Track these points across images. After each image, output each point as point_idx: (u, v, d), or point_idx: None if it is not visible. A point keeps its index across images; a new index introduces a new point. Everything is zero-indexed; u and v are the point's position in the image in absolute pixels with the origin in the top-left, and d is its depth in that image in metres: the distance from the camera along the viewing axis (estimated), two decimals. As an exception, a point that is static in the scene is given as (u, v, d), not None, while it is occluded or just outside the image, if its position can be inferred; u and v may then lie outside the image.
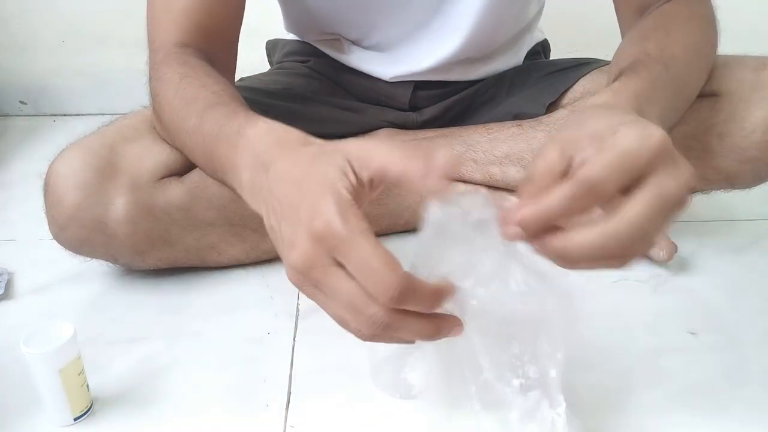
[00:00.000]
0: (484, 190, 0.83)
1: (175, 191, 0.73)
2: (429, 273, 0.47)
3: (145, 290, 0.78)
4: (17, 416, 0.61)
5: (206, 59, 0.69)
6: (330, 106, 0.88)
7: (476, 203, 0.47)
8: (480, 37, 0.83)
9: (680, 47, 0.64)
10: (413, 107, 0.90)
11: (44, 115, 1.34)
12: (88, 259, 0.75)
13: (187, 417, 0.61)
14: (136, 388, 0.64)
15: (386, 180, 0.45)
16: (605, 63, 0.87)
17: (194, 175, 0.74)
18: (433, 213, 0.47)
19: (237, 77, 0.81)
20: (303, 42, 0.94)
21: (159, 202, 0.72)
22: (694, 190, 0.80)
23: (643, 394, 0.62)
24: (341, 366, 0.66)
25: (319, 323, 0.71)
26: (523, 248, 0.47)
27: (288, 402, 0.62)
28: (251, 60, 0.91)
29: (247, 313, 0.74)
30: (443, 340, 0.48)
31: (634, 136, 0.43)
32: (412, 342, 0.47)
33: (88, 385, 0.60)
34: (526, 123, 0.85)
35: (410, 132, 0.89)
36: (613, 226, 0.43)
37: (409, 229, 0.85)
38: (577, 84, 0.86)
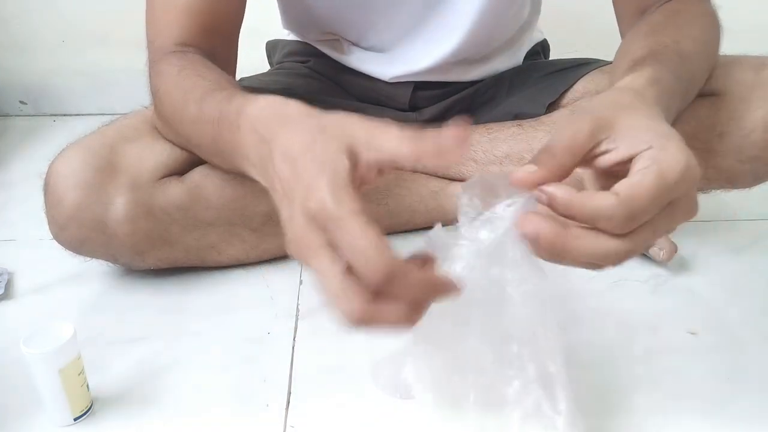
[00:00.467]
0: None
1: (175, 191, 0.73)
2: None
3: (145, 290, 0.78)
4: (17, 416, 0.61)
5: (207, 57, 0.69)
6: (330, 106, 0.88)
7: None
8: (478, 36, 0.83)
9: (691, 42, 0.64)
10: (413, 107, 0.90)
11: (44, 115, 1.34)
12: (88, 259, 0.75)
13: (187, 417, 0.61)
14: (136, 388, 0.64)
15: (396, 165, 0.44)
16: (605, 63, 0.87)
17: (194, 175, 0.74)
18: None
19: (237, 77, 0.81)
20: (303, 42, 0.94)
21: (159, 201, 0.72)
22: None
23: (643, 394, 0.62)
24: (341, 366, 0.66)
25: (319, 323, 0.72)
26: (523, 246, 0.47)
27: (288, 402, 0.62)
28: (251, 60, 0.91)
29: (247, 313, 0.74)
30: (444, 338, 0.47)
31: (682, 167, 0.43)
32: (408, 328, 0.45)
33: (88, 385, 0.60)
34: (526, 123, 0.85)
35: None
36: (624, 246, 0.43)
37: (410, 229, 0.85)
38: (577, 84, 0.86)
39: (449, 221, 0.50)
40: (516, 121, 0.86)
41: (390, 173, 0.47)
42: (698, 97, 0.69)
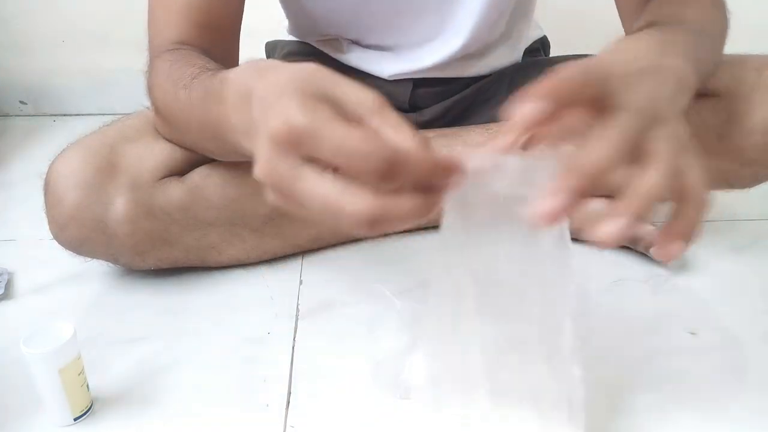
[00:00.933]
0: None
1: (176, 191, 0.73)
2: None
3: (145, 290, 0.78)
4: (17, 416, 0.61)
5: (205, 54, 0.69)
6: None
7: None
8: (482, 32, 0.83)
9: (710, 23, 0.63)
10: (413, 107, 0.90)
11: (44, 115, 1.34)
12: (89, 259, 0.75)
13: (187, 417, 0.61)
14: (136, 388, 0.64)
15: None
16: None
17: (194, 175, 0.74)
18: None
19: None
20: (302, 42, 0.94)
21: (159, 201, 0.72)
22: None
23: (643, 394, 0.62)
24: (341, 366, 0.66)
25: (319, 323, 0.72)
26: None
27: (288, 402, 0.62)
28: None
29: (247, 313, 0.74)
30: (445, 335, 0.46)
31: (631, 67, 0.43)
32: (424, 218, 0.40)
33: (88, 385, 0.60)
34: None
35: None
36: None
37: (405, 230, 0.85)
38: (577, 83, 0.86)
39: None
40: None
41: None
42: (699, 98, 0.69)
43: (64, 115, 1.34)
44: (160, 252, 0.75)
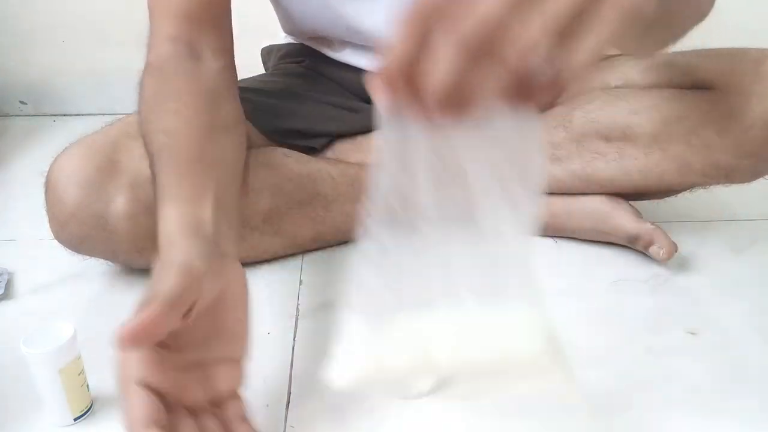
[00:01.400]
0: None
1: (176, 190, 0.73)
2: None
3: (144, 290, 0.77)
4: (17, 416, 0.61)
5: (195, 55, 0.70)
6: (328, 104, 0.88)
7: None
8: None
9: None
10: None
11: (44, 115, 1.34)
12: (88, 257, 0.75)
13: (187, 417, 0.61)
14: (136, 388, 0.64)
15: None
16: (605, 57, 0.87)
17: (194, 175, 0.74)
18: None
19: (238, 77, 0.81)
20: (297, 44, 0.94)
21: (159, 200, 0.72)
22: (693, 185, 0.80)
23: (643, 394, 0.62)
24: (341, 366, 0.65)
25: (319, 323, 0.72)
26: None
27: (288, 402, 0.62)
28: (251, 60, 0.91)
29: (247, 313, 0.74)
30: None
31: None
32: None
33: (88, 385, 0.60)
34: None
35: None
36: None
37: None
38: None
39: None
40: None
41: None
42: (697, 92, 0.69)
43: (64, 115, 1.34)
44: (160, 250, 0.75)
